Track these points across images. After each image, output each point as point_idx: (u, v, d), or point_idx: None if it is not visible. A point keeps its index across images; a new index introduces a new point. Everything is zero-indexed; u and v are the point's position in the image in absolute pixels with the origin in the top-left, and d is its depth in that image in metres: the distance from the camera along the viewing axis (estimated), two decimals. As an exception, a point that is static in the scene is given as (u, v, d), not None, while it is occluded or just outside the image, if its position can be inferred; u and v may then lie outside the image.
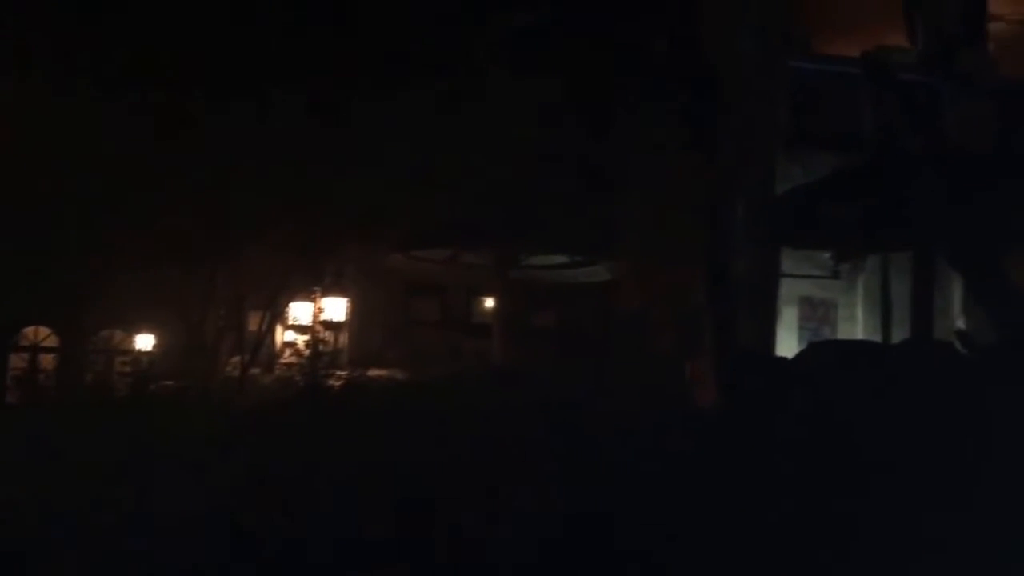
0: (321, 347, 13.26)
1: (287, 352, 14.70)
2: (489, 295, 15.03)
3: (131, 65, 11.74)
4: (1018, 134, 9.79)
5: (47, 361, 17.24)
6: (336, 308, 13.96)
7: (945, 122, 9.32)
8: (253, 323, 14.39)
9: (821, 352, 7.09)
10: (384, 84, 11.90)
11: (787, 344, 9.89)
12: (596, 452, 6.31)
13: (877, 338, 9.66)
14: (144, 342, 15.62)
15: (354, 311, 14.99)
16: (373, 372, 12.04)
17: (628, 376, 8.99)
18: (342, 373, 11.85)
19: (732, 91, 9.76)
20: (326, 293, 13.95)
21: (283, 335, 15.20)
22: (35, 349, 17.66)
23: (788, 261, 10.15)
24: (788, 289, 10.33)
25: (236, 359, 13.72)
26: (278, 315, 14.51)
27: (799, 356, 7.12)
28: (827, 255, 10.09)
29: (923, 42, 5.83)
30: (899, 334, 9.16)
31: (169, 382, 12.25)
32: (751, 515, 5.00)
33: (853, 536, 4.57)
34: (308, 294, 13.88)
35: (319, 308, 13.73)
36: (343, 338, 15.34)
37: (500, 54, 10.09)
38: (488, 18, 9.85)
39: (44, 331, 17.70)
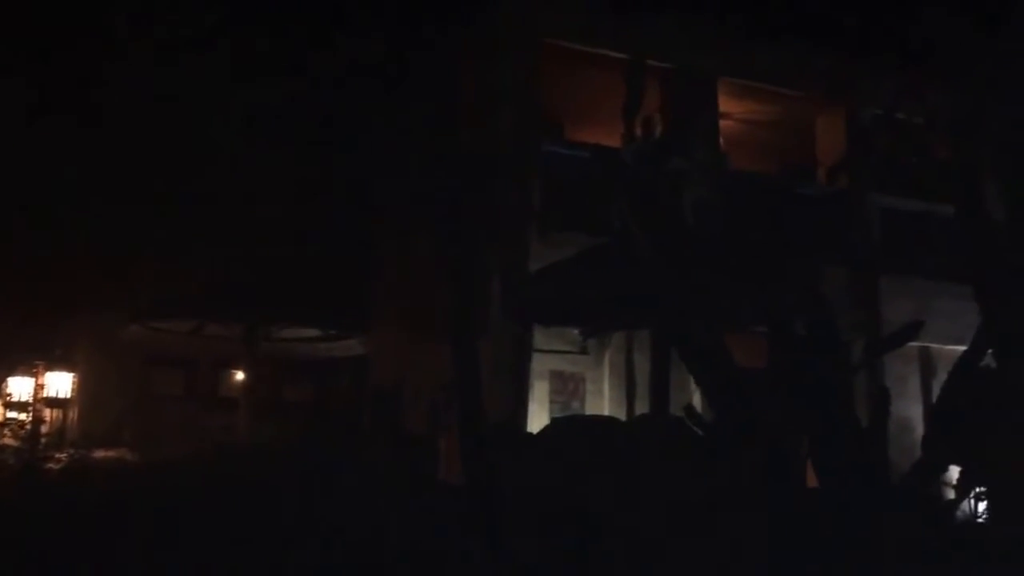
0: (42, 426, 11.99)
1: (4, 431, 13.27)
2: (238, 368, 14.27)
3: None
4: (748, 220, 10.64)
5: None
6: (61, 383, 12.74)
7: (680, 209, 9.96)
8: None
9: (561, 427, 7.19)
10: (122, 146, 11.15)
11: (539, 418, 10.02)
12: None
13: (622, 411, 10.01)
14: None
15: (84, 386, 13.74)
16: (101, 453, 10.98)
17: (379, 452, 8.74)
18: (63, 455, 10.70)
19: (488, 171, 9.96)
20: (51, 367, 12.72)
21: (5, 414, 13.70)
22: None
23: (540, 336, 10.36)
24: (540, 364, 10.53)
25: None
26: (-8, 391, 13.04)
27: (542, 431, 7.18)
28: (576, 331, 10.40)
29: (632, 144, 6.22)
30: (643, 407, 9.54)
31: None
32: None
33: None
34: (29, 368, 12.58)
35: (40, 384, 12.47)
36: (72, 415, 14.02)
37: (253, 125, 9.76)
38: (241, 91, 9.53)
39: None
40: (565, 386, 10.71)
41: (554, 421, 7.90)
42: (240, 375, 14.18)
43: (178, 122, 10.51)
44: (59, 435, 13.17)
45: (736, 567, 4.73)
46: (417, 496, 7.38)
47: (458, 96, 10.76)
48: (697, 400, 8.72)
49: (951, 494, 5.03)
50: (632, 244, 6.99)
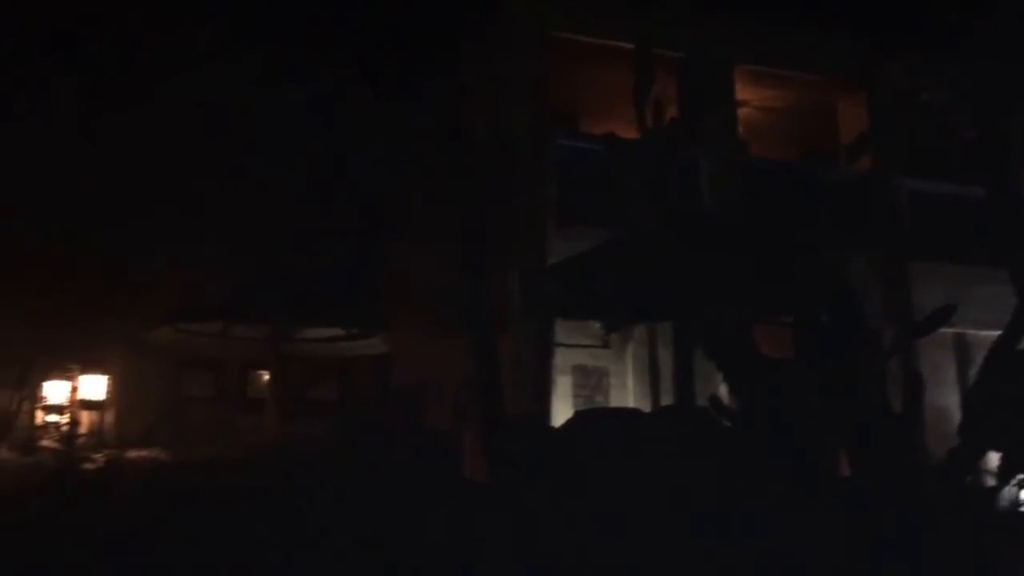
0: (79, 428, 12.25)
1: (43, 435, 13.60)
2: (265, 369, 14.46)
3: None
4: (768, 208, 10.57)
5: None
6: (95, 386, 12.99)
7: (701, 197, 9.94)
8: (5, 403, 13.18)
9: (585, 420, 7.24)
10: (157, 150, 11.35)
11: (563, 412, 10.05)
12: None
13: (647, 404, 10.01)
14: None
15: (118, 389, 13.99)
16: (136, 453, 11.20)
17: (404, 450, 8.83)
18: (100, 456, 10.93)
19: (504, 167, 9.99)
20: (85, 371, 12.97)
21: (44, 417, 14.01)
22: None
23: (562, 331, 10.38)
24: (563, 358, 10.54)
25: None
26: (29, 395, 13.32)
27: (566, 425, 7.23)
28: (598, 325, 10.41)
29: (646, 132, 6.17)
30: (667, 401, 9.53)
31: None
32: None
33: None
34: (64, 372, 12.85)
35: (76, 387, 12.73)
36: (108, 417, 14.29)
37: (274, 125, 9.89)
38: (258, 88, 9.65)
39: None
40: (588, 380, 10.72)
41: (578, 414, 7.92)
42: (267, 375, 14.36)
43: (202, 127, 10.66)
44: (95, 436, 13.44)
45: (764, 560, 4.73)
46: (442, 493, 7.46)
47: (470, 94, 10.79)
48: (723, 392, 8.70)
49: (992, 481, 4.96)
50: (650, 236, 6.99)
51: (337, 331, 13.45)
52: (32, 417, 14.03)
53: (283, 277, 11.81)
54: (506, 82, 10.65)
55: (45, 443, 13.36)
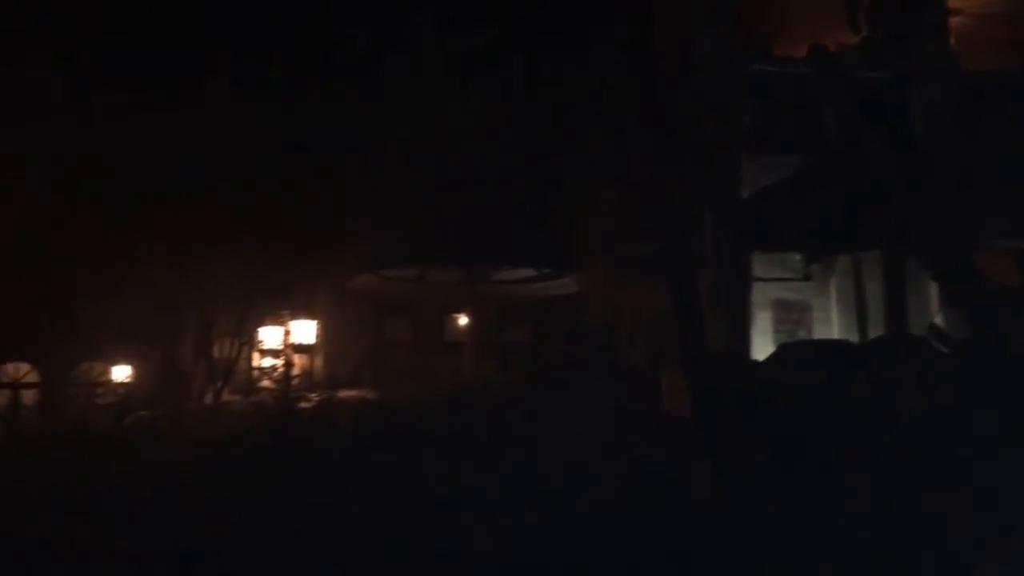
0: (293, 371, 13.12)
1: (261, 377, 14.66)
2: (460, 312, 14.88)
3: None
4: (983, 127, 9.75)
5: (28, 397, 17.11)
6: (305, 331, 13.84)
7: (909, 118, 9.27)
8: (227, 349, 14.33)
9: (792, 353, 6.99)
10: (349, 104, 11.80)
11: (763, 349, 9.77)
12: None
13: (853, 338, 9.57)
14: (121, 373, 15.48)
15: (325, 333, 14.83)
16: (346, 394, 11.87)
17: (601, 390, 8.85)
18: (313, 396, 11.67)
19: (694, 98, 9.67)
20: (295, 316, 13.83)
21: (260, 361, 15.09)
22: (16, 386, 17.51)
23: (760, 265, 10.06)
24: (761, 293, 10.24)
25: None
26: (247, 341, 14.38)
27: (770, 359, 7.01)
28: (798, 257, 10.00)
29: (865, 34, 5.72)
30: (876, 334, 9.07)
31: (144, 412, 12.07)
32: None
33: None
34: (277, 318, 13.75)
35: (288, 332, 13.61)
36: (317, 360, 15.22)
37: (458, 71, 10.02)
38: (443, 36, 9.78)
39: (24, 367, 17.56)
40: (789, 315, 10.34)
41: (783, 347, 7.68)
42: (463, 319, 14.78)
43: (396, 78, 10.93)
44: (307, 379, 14.35)
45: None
46: (642, 430, 7.44)
47: (656, 21, 10.44)
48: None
49: None
50: (857, 160, 6.62)
51: (530, 272, 13.59)
52: (250, 361, 15.16)
53: (477, 221, 12.03)
54: (695, 5, 10.27)
55: (263, 385, 14.41)
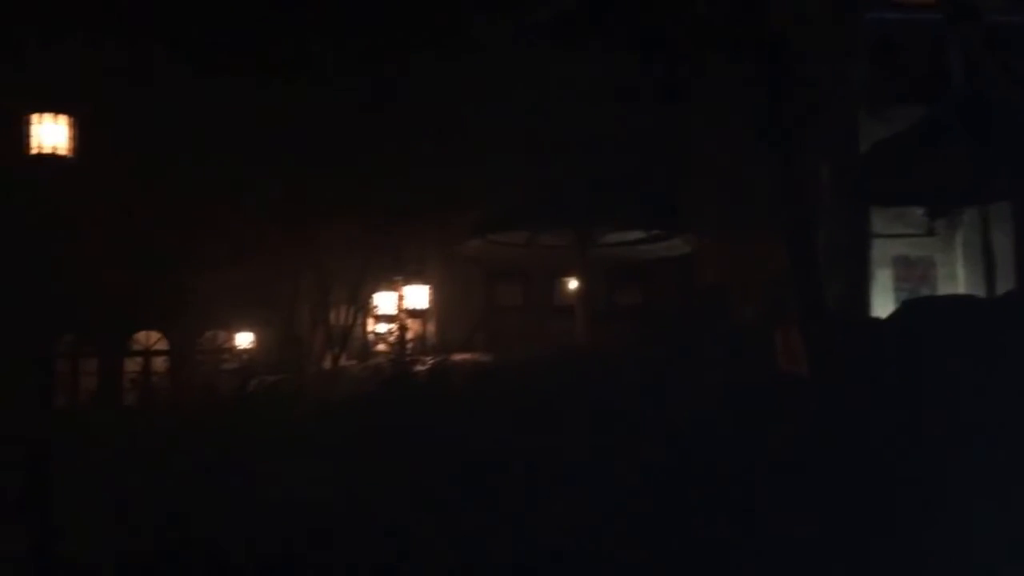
0: (407, 335, 13.44)
1: (377, 341, 15.08)
2: (570, 276, 14.92)
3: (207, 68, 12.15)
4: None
5: (158, 364, 18.11)
6: (418, 296, 14.15)
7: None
8: (344, 315, 14.81)
9: (915, 310, 6.78)
10: (462, 67, 11.96)
11: (883, 307, 9.51)
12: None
13: (981, 294, 9.21)
14: (244, 340, 16.18)
15: (437, 298, 15.13)
16: (460, 356, 12.10)
17: (714, 350, 8.79)
18: (428, 359, 11.95)
19: (805, 48, 9.36)
20: (408, 282, 14.16)
21: (375, 326, 15.53)
22: (147, 353, 18.56)
23: (879, 221, 9.77)
24: (881, 250, 9.95)
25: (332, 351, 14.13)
26: (363, 306, 14.82)
27: (892, 316, 6.83)
28: (920, 212, 9.65)
29: None
30: (1005, 289, 8.70)
31: (268, 377, 12.61)
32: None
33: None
34: (391, 284, 14.10)
35: (401, 297, 13.94)
36: (430, 325, 15.55)
37: (560, 35, 9.98)
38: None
39: (155, 335, 18.57)
40: (911, 272, 10.01)
41: (906, 304, 7.45)
42: (572, 283, 14.82)
43: (511, 47, 11.01)
44: (421, 343, 14.71)
45: None
46: (751, 389, 7.36)
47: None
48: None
49: None
50: (985, 108, 6.35)
51: (639, 234, 13.51)
52: (365, 327, 15.61)
53: (585, 184, 12.02)
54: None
55: (379, 349, 14.82)
